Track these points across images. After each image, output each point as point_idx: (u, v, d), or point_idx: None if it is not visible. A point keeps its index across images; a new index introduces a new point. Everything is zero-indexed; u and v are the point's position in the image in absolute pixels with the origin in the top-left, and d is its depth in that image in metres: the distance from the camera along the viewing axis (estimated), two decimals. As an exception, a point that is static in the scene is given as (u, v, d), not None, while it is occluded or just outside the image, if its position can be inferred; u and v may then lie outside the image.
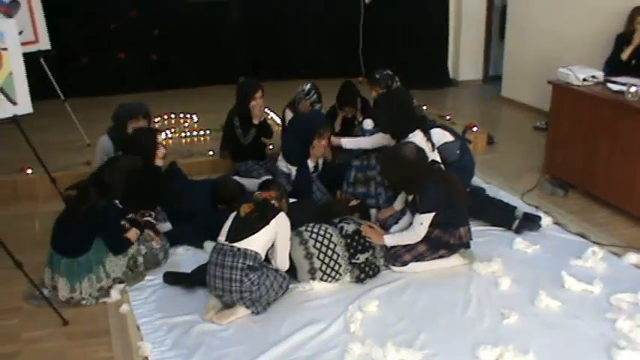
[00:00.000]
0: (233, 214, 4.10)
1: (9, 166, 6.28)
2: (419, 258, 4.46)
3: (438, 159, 4.88)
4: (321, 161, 5.50)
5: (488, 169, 6.38)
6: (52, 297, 4.22)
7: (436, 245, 4.44)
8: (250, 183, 5.39)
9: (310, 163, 5.37)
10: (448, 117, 7.51)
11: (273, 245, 4.09)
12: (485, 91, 9.88)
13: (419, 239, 4.39)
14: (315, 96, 6.04)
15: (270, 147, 6.23)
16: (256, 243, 3.96)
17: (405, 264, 4.46)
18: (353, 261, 4.35)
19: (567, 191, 5.82)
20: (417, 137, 4.79)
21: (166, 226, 4.94)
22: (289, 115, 6.07)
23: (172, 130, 7.28)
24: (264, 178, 5.34)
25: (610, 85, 5.59)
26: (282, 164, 5.48)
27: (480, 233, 4.95)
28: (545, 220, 5.18)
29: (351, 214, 4.84)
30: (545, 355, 3.54)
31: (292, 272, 4.27)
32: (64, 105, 6.88)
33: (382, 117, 5.11)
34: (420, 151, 4.45)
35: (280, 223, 4.05)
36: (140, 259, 4.45)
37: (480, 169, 5.98)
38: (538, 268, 4.50)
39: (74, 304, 4.22)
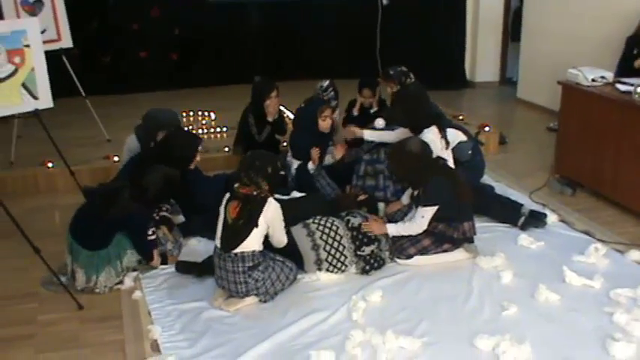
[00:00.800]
0: (221, 217, 4.14)
1: (31, 160, 6.48)
2: (423, 251, 4.57)
3: (451, 157, 4.98)
4: (330, 157, 5.61)
5: (499, 167, 6.48)
6: (69, 283, 4.38)
7: (440, 239, 4.55)
8: None
9: (310, 166, 5.50)
10: (461, 117, 7.60)
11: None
12: (502, 92, 9.98)
13: (420, 231, 4.50)
14: (332, 93, 6.18)
15: (285, 144, 6.37)
16: (250, 243, 4.04)
17: (409, 257, 4.58)
18: (359, 253, 4.47)
19: (575, 190, 5.90)
20: (431, 133, 4.90)
21: (180, 219, 5.08)
22: None
23: (190, 127, 7.45)
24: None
25: (619, 85, 5.66)
26: (290, 159, 5.61)
27: (486, 229, 5.05)
28: (551, 218, 5.26)
29: (359, 208, 4.96)
30: (541, 344, 3.63)
31: (299, 263, 4.40)
32: (85, 102, 7.07)
33: (398, 111, 5.21)
34: (425, 146, 4.56)
35: (269, 216, 4.08)
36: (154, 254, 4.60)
37: (490, 168, 6.09)
38: (541, 263, 4.59)
39: (88, 291, 4.38)
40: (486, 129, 7.19)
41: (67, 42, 6.73)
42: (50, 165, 6.30)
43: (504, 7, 10.00)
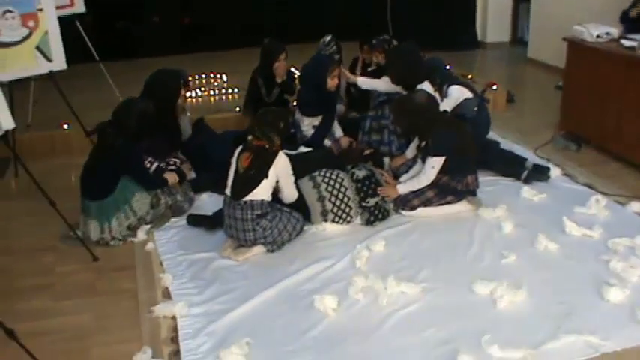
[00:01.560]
0: (233, 167, 4.31)
1: (47, 123, 6.66)
2: (427, 203, 4.70)
3: (448, 108, 5.09)
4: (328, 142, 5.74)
5: (506, 125, 6.57)
6: (85, 237, 4.57)
7: (444, 191, 4.67)
8: None
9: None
10: (469, 76, 7.66)
11: (277, 182, 4.31)
12: (513, 52, 10.03)
13: (429, 182, 4.62)
14: (334, 47, 6.28)
15: (294, 103, 6.47)
16: (259, 193, 4.20)
17: (413, 209, 4.71)
18: (363, 204, 4.61)
19: (580, 146, 5.98)
20: (424, 87, 5.02)
21: (191, 175, 5.24)
22: None
23: (202, 88, 7.58)
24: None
25: (623, 41, 5.70)
26: (298, 116, 5.73)
27: (490, 182, 5.17)
28: (555, 172, 5.36)
29: (365, 162, 5.08)
30: (537, 289, 3.76)
31: (306, 215, 4.55)
32: (99, 66, 7.20)
33: (390, 69, 5.34)
34: (430, 98, 4.67)
35: (279, 168, 4.23)
36: (162, 200, 4.76)
37: (497, 125, 6.17)
38: (542, 215, 4.70)
39: (103, 244, 4.56)
40: (494, 87, 7.27)
41: (79, 7, 6.82)
42: (66, 127, 6.47)
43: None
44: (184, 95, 5.56)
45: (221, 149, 5.33)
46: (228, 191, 4.29)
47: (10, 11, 4.95)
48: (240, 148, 4.35)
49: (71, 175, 5.81)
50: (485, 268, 4.05)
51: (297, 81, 6.42)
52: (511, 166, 5.33)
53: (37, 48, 5.12)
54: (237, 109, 6.80)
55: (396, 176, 5.00)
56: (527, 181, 5.20)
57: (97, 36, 7.59)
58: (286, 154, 4.38)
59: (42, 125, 6.65)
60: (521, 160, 5.38)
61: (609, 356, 3.24)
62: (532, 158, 5.59)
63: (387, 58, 5.70)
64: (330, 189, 4.54)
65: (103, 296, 3.98)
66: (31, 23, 5.09)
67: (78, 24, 6.91)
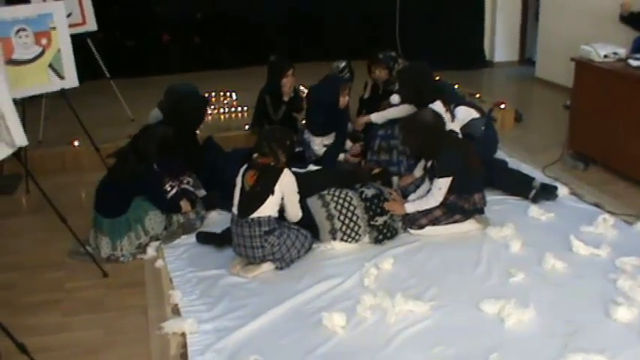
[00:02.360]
0: (239, 185, 4.34)
1: (57, 140, 6.72)
2: (435, 222, 4.71)
3: (457, 129, 5.11)
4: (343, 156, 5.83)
5: (514, 143, 6.59)
6: (95, 254, 4.60)
7: (452, 210, 4.69)
8: None
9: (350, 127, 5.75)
10: (477, 95, 7.70)
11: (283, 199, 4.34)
12: (521, 72, 10.06)
13: (437, 203, 4.64)
14: (348, 74, 6.32)
15: (303, 122, 6.52)
16: (266, 209, 4.23)
17: (421, 227, 4.72)
18: (372, 223, 4.63)
19: (588, 165, 5.99)
20: (436, 107, 5.03)
21: (201, 193, 5.28)
22: None
23: (212, 106, 7.65)
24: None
25: (631, 61, 5.73)
26: (308, 135, 5.77)
27: (497, 201, 5.18)
28: (562, 191, 5.36)
29: (373, 181, 5.11)
30: (545, 308, 3.76)
31: (314, 233, 4.58)
32: (110, 84, 7.28)
33: (402, 88, 5.38)
34: (438, 117, 4.70)
35: (284, 185, 4.27)
36: (175, 218, 4.81)
37: (505, 144, 6.20)
38: (549, 234, 4.70)
39: (114, 260, 4.60)
40: (502, 106, 7.29)
41: (91, 25, 6.93)
42: (76, 143, 6.53)
43: (523, -14, 10.06)
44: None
45: (231, 167, 5.35)
46: (235, 209, 4.32)
47: (23, 29, 5.04)
48: (245, 166, 4.39)
49: (81, 192, 5.87)
50: (493, 287, 4.05)
51: (304, 99, 6.48)
52: (519, 185, 5.34)
53: (50, 66, 5.21)
54: (247, 127, 6.84)
55: (405, 195, 5.02)
56: (534, 200, 5.20)
57: (107, 53, 7.65)
58: (295, 172, 4.42)
59: (52, 142, 6.72)
60: (529, 179, 5.38)
61: (617, 376, 3.24)
62: (540, 177, 5.60)
63: (399, 76, 5.73)
64: (339, 207, 4.57)
65: (113, 312, 4.00)
66: (44, 41, 5.17)
67: (89, 42, 6.98)
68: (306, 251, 4.47)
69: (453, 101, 5.34)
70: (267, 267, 4.33)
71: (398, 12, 10.22)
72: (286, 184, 4.28)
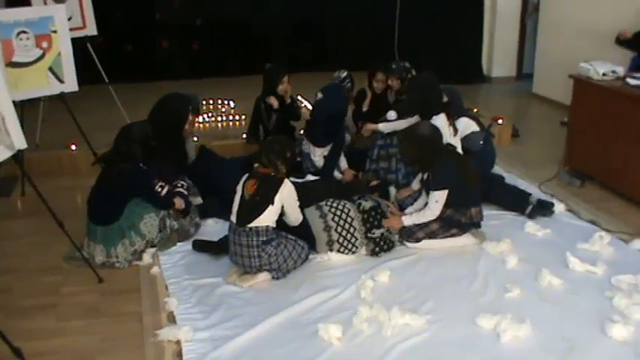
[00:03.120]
0: (239, 194, 4.33)
1: (54, 143, 6.70)
2: (432, 235, 4.72)
3: (459, 144, 5.12)
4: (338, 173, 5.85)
5: (511, 159, 6.61)
6: (90, 259, 4.59)
7: (448, 224, 4.69)
8: None
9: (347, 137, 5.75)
10: (475, 110, 7.72)
11: (283, 207, 4.34)
12: (518, 87, 10.12)
13: (434, 217, 4.65)
14: (349, 84, 6.34)
15: (301, 132, 6.51)
16: (264, 219, 4.23)
17: (418, 241, 4.73)
18: (369, 235, 4.63)
19: (584, 182, 6.01)
20: (440, 119, 5.04)
21: (197, 200, 5.27)
22: None
23: (209, 114, 7.64)
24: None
25: (629, 80, 5.76)
26: (307, 147, 5.77)
27: (494, 216, 5.19)
28: (559, 207, 5.38)
29: (371, 193, 5.11)
30: (541, 324, 3.76)
31: (311, 244, 4.57)
32: (108, 89, 7.26)
33: (408, 98, 5.40)
34: (435, 129, 4.71)
35: (285, 195, 4.28)
36: (168, 223, 4.80)
37: (502, 159, 6.22)
38: (545, 250, 4.72)
39: (109, 266, 4.59)
40: (499, 122, 7.33)
41: (91, 30, 6.92)
42: (74, 147, 6.52)
43: (522, 3, 10.11)
44: (194, 121, 5.60)
45: (228, 175, 5.37)
46: (233, 218, 4.32)
47: (24, 32, 5.05)
48: (246, 175, 4.38)
49: (77, 197, 5.84)
50: (489, 302, 4.06)
51: (300, 106, 6.48)
52: (515, 201, 5.36)
53: (50, 69, 5.21)
54: (244, 135, 6.83)
55: (402, 207, 5.03)
56: (531, 216, 5.22)
57: (106, 58, 7.64)
58: (293, 182, 4.42)
59: (49, 145, 6.70)
60: (526, 195, 5.40)
61: (612, 394, 3.25)
62: (536, 193, 5.62)
63: (406, 87, 5.73)
64: (336, 219, 4.57)
65: (108, 318, 3.98)
66: (44, 44, 5.18)
67: (89, 46, 6.98)
68: (302, 262, 4.46)
69: (457, 112, 5.34)
70: (264, 277, 4.32)
71: (397, 25, 10.27)
72: (287, 195, 4.29)
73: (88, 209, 4.71)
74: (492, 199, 5.34)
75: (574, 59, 6.98)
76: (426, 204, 4.75)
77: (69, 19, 5.87)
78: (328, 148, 5.69)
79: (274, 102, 6.09)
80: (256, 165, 4.39)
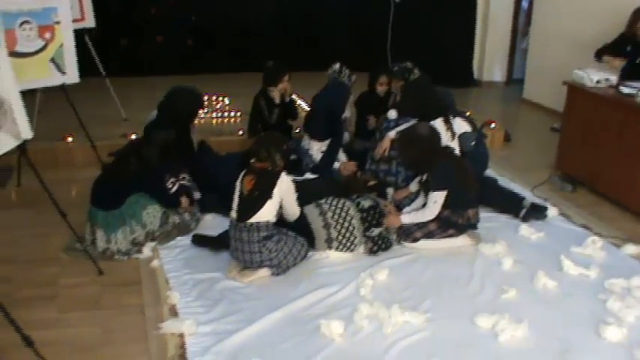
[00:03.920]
0: (237, 190, 4.37)
1: (49, 135, 6.67)
2: (429, 236, 4.78)
3: (457, 148, 5.18)
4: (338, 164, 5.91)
5: (503, 162, 6.69)
6: (90, 250, 4.61)
7: (446, 224, 4.76)
8: None
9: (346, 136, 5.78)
10: (467, 113, 7.77)
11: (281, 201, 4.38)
12: (508, 92, 10.22)
13: (433, 217, 4.71)
14: (347, 71, 6.35)
15: (297, 130, 6.56)
16: (264, 214, 4.27)
17: (415, 240, 4.79)
18: (367, 234, 4.68)
19: (576, 187, 6.10)
20: (437, 124, 5.10)
21: (196, 195, 5.29)
22: None
23: (205, 110, 7.66)
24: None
25: (622, 88, 5.85)
26: (306, 143, 5.81)
27: (489, 219, 5.25)
28: (552, 211, 5.46)
29: (368, 192, 5.16)
30: (538, 325, 3.84)
31: (310, 241, 4.61)
32: (104, 82, 7.26)
33: (406, 102, 5.44)
34: (433, 131, 4.77)
35: (283, 188, 4.32)
36: (171, 218, 4.84)
37: (494, 163, 6.30)
38: (540, 253, 4.80)
39: (109, 255, 4.62)
40: (492, 125, 7.41)
41: (90, 22, 6.91)
42: (70, 139, 6.51)
43: (514, 8, 10.20)
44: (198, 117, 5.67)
45: (226, 170, 5.40)
46: (233, 214, 4.35)
47: (27, 22, 5.04)
48: (243, 171, 4.42)
49: (73, 189, 5.85)
50: (486, 302, 4.12)
51: (299, 107, 6.52)
52: (509, 204, 5.43)
53: (52, 60, 5.20)
54: (241, 132, 6.87)
55: (399, 208, 5.08)
56: (525, 219, 5.29)
57: (101, 51, 7.62)
58: (292, 181, 4.47)
59: (44, 137, 6.66)
60: (520, 198, 5.47)
61: (607, 394, 3.33)
62: (529, 197, 5.69)
63: (403, 91, 5.76)
64: (336, 217, 4.62)
65: (109, 310, 4.01)
66: (47, 35, 5.18)
67: (87, 38, 6.97)
68: (302, 259, 4.50)
69: (451, 114, 5.39)
70: (264, 272, 4.36)
71: (390, 28, 10.32)
72: (285, 188, 4.34)
73: (91, 195, 4.75)
74: (486, 202, 5.38)
75: (565, 66, 7.08)
76: (424, 205, 4.81)
77: (68, 10, 5.85)
78: (327, 143, 5.73)
79: (276, 95, 6.13)
80: (253, 160, 4.41)
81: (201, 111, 5.66)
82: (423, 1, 10.05)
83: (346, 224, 4.62)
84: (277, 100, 6.18)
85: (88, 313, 3.98)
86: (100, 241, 4.63)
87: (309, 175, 5.49)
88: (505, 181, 6.10)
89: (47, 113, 6.98)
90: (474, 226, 4.86)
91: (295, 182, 4.52)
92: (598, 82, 6.02)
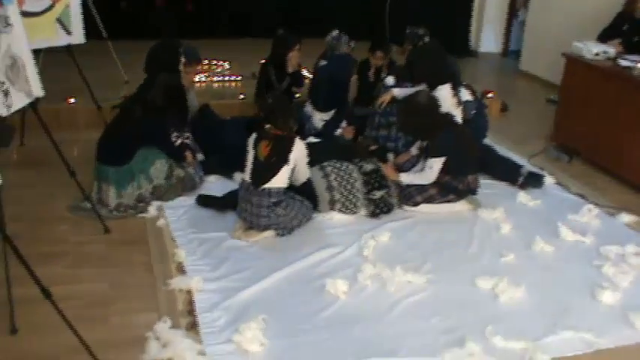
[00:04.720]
0: (252, 154, 4.44)
1: (50, 97, 6.66)
2: (429, 200, 4.88)
3: (460, 115, 5.25)
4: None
5: (500, 132, 6.75)
6: (99, 207, 4.69)
7: (446, 190, 4.86)
8: None
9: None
10: (465, 83, 7.84)
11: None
12: (504, 63, 10.28)
13: (430, 181, 4.81)
14: (345, 37, 6.40)
15: (297, 95, 6.60)
16: (278, 180, 4.36)
17: (416, 204, 4.89)
18: (369, 196, 4.77)
19: (572, 158, 6.20)
20: (444, 90, 5.17)
21: (199, 157, 5.36)
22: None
23: (205, 74, 7.70)
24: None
25: (620, 60, 5.93)
26: (309, 109, 5.88)
27: (487, 186, 5.34)
28: (549, 180, 5.57)
29: (370, 157, 5.24)
30: (536, 288, 3.96)
31: (314, 203, 4.70)
32: (104, 45, 7.25)
33: (416, 66, 5.48)
34: (433, 99, 4.85)
35: (297, 153, 4.40)
36: (175, 172, 4.92)
37: (492, 133, 6.37)
38: (537, 219, 4.92)
39: (123, 210, 4.72)
40: (489, 95, 7.50)
41: (92, -18, 6.91)
42: (72, 101, 6.53)
43: (512, -21, 10.24)
44: (194, 73, 5.72)
45: (231, 134, 5.50)
46: (247, 177, 4.43)
47: (35, -19, 5.04)
48: (255, 135, 4.48)
49: (75, 150, 5.87)
50: (486, 265, 4.24)
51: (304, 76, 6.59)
52: (508, 172, 5.53)
53: (58, 20, 5.20)
54: (241, 96, 6.92)
55: (401, 171, 5.15)
56: (522, 187, 5.40)
57: (101, 14, 7.60)
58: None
59: (47, 98, 6.66)
60: (518, 167, 5.58)
61: (603, 353, 3.45)
62: (526, 166, 5.79)
63: (413, 54, 5.77)
64: (339, 179, 4.71)
65: (118, 267, 4.09)
66: (53, -5, 5.17)
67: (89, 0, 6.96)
68: (307, 221, 4.60)
69: (458, 84, 5.46)
70: (269, 233, 4.45)
71: None
72: (299, 152, 4.41)
73: (97, 151, 4.81)
74: (485, 169, 5.46)
75: (563, 39, 7.13)
76: (423, 168, 4.91)
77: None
78: (330, 114, 5.80)
79: (295, 62, 6.21)
80: (268, 126, 4.47)
81: (192, 67, 5.63)
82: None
83: (349, 186, 4.71)
84: (291, 69, 6.22)
85: (98, 270, 4.06)
86: (112, 198, 4.70)
87: (312, 139, 5.56)
88: (502, 151, 6.16)
89: (47, 75, 6.95)
90: (473, 192, 4.96)
91: (300, 145, 4.60)
92: (597, 54, 6.10)
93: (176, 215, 4.73)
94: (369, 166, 4.87)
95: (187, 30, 9.60)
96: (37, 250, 4.18)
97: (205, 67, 8.08)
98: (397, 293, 3.85)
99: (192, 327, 3.49)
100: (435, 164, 4.76)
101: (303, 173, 4.57)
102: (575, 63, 6.33)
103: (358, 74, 6.62)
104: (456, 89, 5.25)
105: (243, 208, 4.43)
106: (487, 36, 10.57)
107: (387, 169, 4.91)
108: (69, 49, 5.36)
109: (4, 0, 3.50)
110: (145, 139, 4.79)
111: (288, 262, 4.13)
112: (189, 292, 3.78)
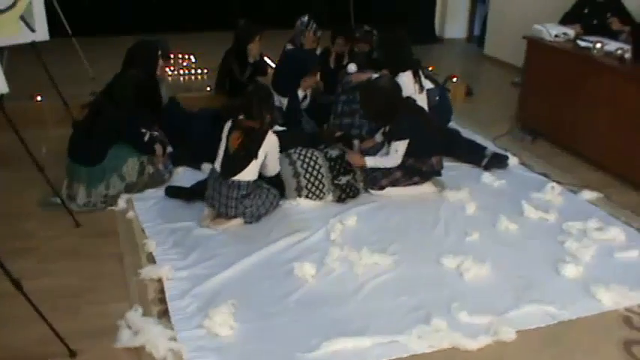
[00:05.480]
0: (223, 144, 4.49)
1: (19, 94, 6.64)
2: (395, 183, 4.96)
3: (425, 101, 5.33)
4: (309, 92, 6.06)
5: (465, 116, 6.86)
6: (68, 202, 4.71)
7: (410, 172, 4.94)
8: None
9: (300, 93, 5.89)
10: (430, 68, 7.95)
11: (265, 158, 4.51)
12: (469, 49, 10.40)
13: (395, 164, 4.89)
14: (315, 25, 6.48)
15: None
16: (247, 173, 4.42)
17: (382, 188, 4.97)
18: (335, 182, 4.85)
19: (535, 138, 6.32)
20: (406, 76, 5.24)
21: (168, 149, 5.39)
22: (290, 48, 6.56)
23: (172, 68, 7.71)
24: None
25: (579, 42, 6.04)
26: (276, 98, 5.92)
27: (452, 168, 5.45)
28: (512, 160, 5.69)
29: (335, 144, 5.31)
30: (500, 265, 4.06)
31: (280, 190, 4.77)
32: (69, 42, 7.23)
33: (380, 55, 5.62)
34: (394, 84, 4.93)
35: (268, 147, 4.45)
36: (146, 169, 4.96)
37: (457, 116, 6.49)
38: (501, 198, 5.02)
39: (91, 207, 4.74)
40: (454, 80, 7.60)
41: (54, -21, 6.88)
42: (39, 98, 6.51)
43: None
44: (165, 67, 5.70)
45: (198, 126, 5.54)
46: (217, 166, 4.48)
47: (-4, -22, 5.01)
48: (229, 125, 4.51)
49: (42, 147, 5.85)
50: (451, 245, 4.34)
51: (267, 64, 6.63)
52: (472, 153, 5.63)
53: (21, 17, 5.18)
54: (208, 88, 6.96)
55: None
56: (487, 168, 5.50)
57: (64, 11, 7.57)
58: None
59: (13, 95, 6.63)
60: (482, 148, 5.68)
61: (565, 324, 3.55)
62: (491, 147, 5.90)
63: (377, 42, 5.89)
64: (305, 166, 4.77)
65: (88, 260, 4.12)
66: (16, -9, 5.14)
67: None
68: (274, 209, 4.66)
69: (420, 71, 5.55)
70: (237, 221, 4.50)
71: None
72: (270, 147, 4.47)
73: (70, 149, 4.82)
74: (449, 152, 5.55)
75: (525, 23, 7.24)
76: (387, 154, 4.99)
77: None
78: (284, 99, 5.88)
79: (256, 52, 6.28)
80: (241, 117, 4.51)
81: (164, 62, 5.69)
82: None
83: (315, 172, 4.78)
84: (253, 59, 6.27)
85: (69, 263, 4.08)
86: (81, 196, 4.72)
87: (277, 128, 5.60)
88: (468, 133, 6.28)
89: (16, 73, 6.93)
90: (438, 173, 5.04)
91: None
92: (556, 36, 6.21)
93: (145, 207, 4.77)
94: (334, 152, 4.94)
95: (152, 24, 9.59)
96: (8, 246, 4.20)
97: (172, 61, 8.08)
98: (364, 275, 3.93)
99: (164, 314, 3.54)
100: (400, 147, 4.84)
101: (273, 167, 4.63)
102: (535, 45, 6.44)
103: (319, 64, 6.68)
104: (417, 76, 5.32)
105: (211, 196, 4.48)
106: (452, 22, 10.67)
107: (353, 156, 4.97)
108: (34, 46, 5.35)
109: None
110: (117, 137, 4.82)
111: (257, 248, 4.19)
112: (159, 281, 3.83)
